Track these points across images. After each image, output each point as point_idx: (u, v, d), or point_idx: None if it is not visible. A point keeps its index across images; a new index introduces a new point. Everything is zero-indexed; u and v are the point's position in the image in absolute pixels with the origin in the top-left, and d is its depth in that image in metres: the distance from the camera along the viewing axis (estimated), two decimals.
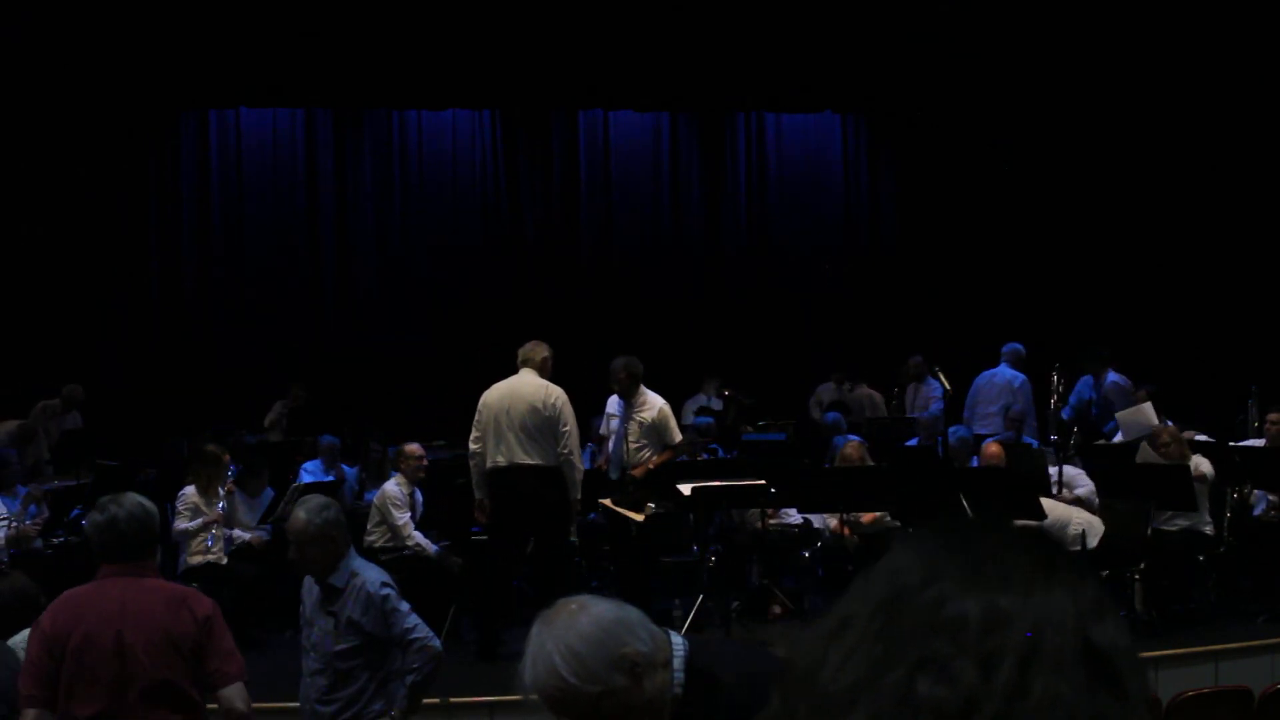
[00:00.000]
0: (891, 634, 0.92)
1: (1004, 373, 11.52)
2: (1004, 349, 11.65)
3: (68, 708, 3.97)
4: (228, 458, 8.68)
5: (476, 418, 7.89)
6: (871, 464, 9.19)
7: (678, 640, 2.41)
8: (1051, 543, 1.02)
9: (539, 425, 7.75)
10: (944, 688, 0.88)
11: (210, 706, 4.15)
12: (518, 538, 7.95)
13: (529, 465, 7.74)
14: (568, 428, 7.84)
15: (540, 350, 8.03)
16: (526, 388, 7.87)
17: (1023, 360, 11.59)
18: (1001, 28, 13.46)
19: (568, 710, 2.30)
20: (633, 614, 2.38)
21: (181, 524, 8.33)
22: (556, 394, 7.87)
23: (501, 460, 7.75)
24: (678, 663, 2.37)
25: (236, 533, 8.79)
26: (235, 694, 3.99)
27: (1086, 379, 11.60)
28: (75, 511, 8.75)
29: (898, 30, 13.68)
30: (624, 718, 2.32)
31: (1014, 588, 0.93)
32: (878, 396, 13.10)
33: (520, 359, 8.05)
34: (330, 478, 9.73)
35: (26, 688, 3.94)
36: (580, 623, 2.32)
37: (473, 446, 7.93)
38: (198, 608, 4.05)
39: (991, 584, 0.93)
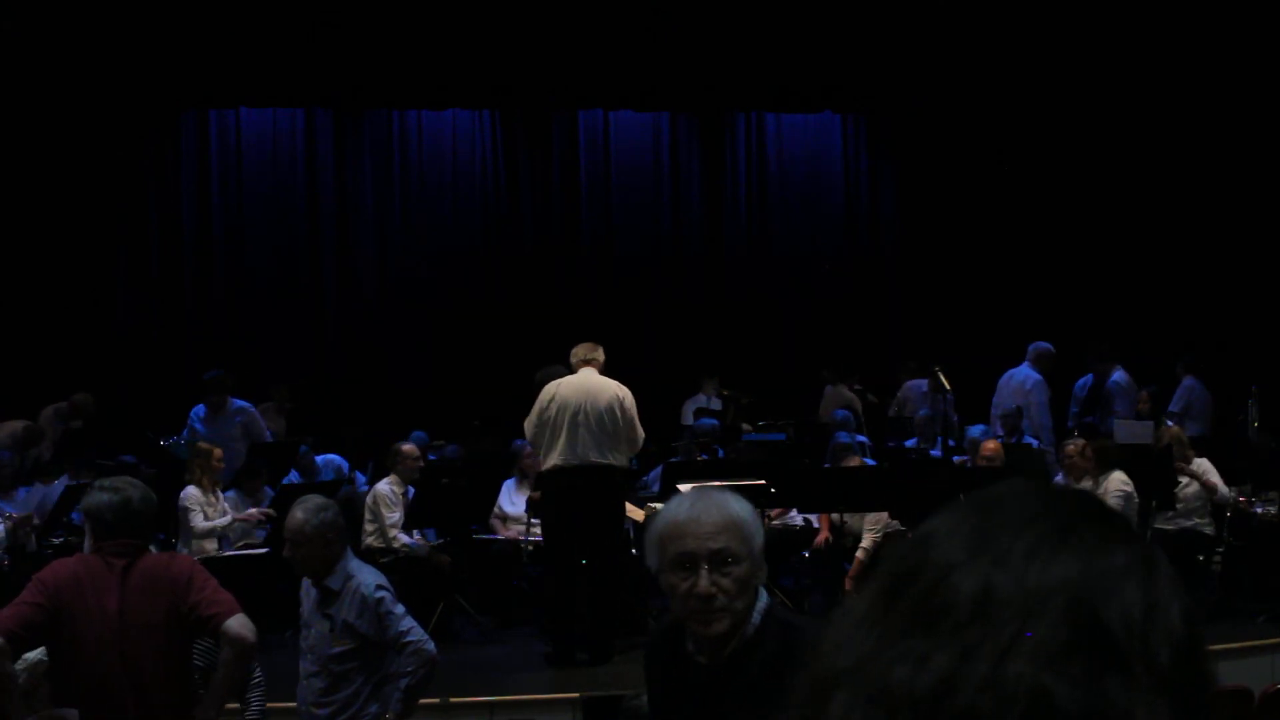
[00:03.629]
0: (886, 623, 0.87)
1: (1021, 372, 11.31)
2: (1030, 348, 11.36)
3: (64, 683, 4.05)
4: (219, 452, 8.67)
5: (542, 411, 7.52)
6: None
7: (765, 594, 2.58)
8: (1082, 506, 0.92)
9: (613, 424, 7.50)
10: (921, 676, 0.83)
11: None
12: (576, 541, 7.64)
13: (599, 465, 7.46)
14: (638, 429, 7.73)
15: (600, 352, 7.81)
16: (604, 386, 7.60)
17: (1049, 359, 11.30)
18: (1001, 28, 13.45)
19: (722, 546, 2.46)
20: None
21: (202, 521, 8.33)
22: (627, 393, 7.66)
23: (573, 459, 7.43)
24: (761, 605, 2.53)
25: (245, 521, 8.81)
26: (237, 624, 4.05)
27: (1086, 378, 11.61)
28: (75, 515, 8.74)
29: (897, 30, 13.67)
30: (743, 595, 2.48)
31: (1014, 561, 0.85)
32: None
33: (580, 359, 7.75)
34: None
35: (2, 619, 3.94)
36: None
37: (532, 433, 7.64)
38: (179, 570, 4.17)
39: (994, 558, 0.86)
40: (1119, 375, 11.36)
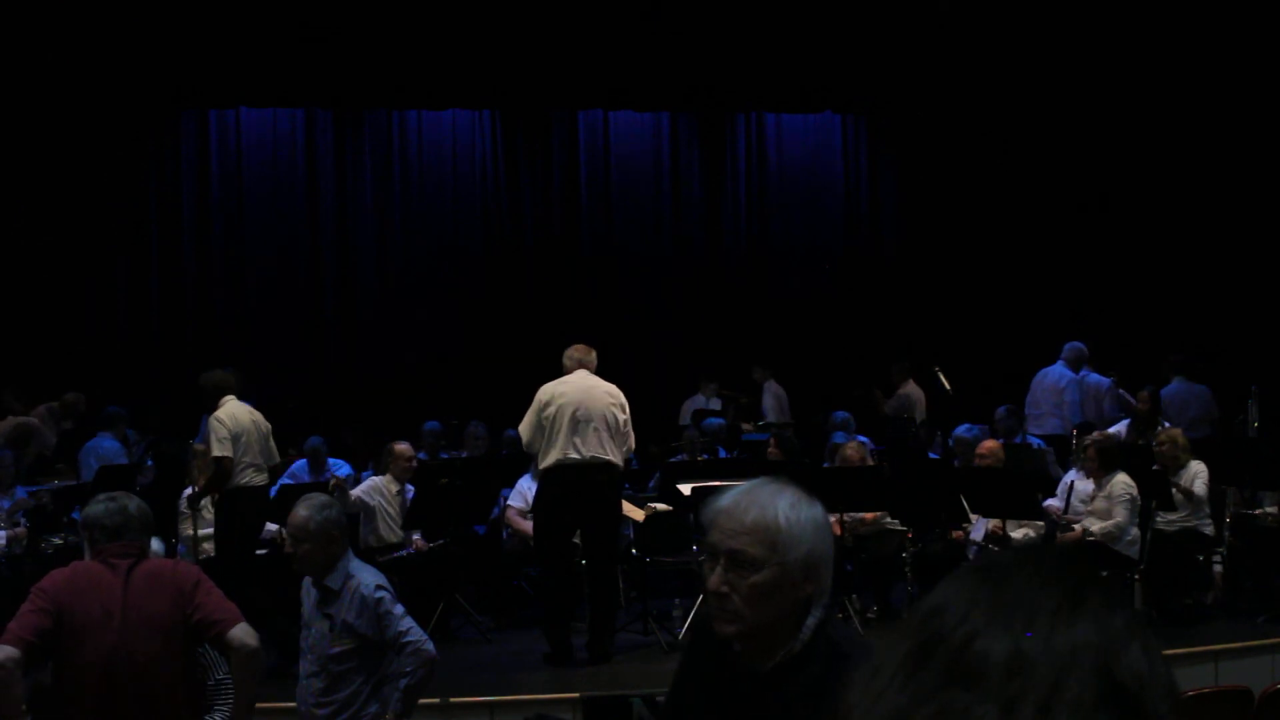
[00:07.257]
0: (917, 681, 0.97)
1: (1055, 372, 11.26)
2: (1066, 347, 11.32)
3: (67, 685, 4.04)
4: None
5: (543, 411, 7.57)
6: (871, 465, 9.14)
7: (817, 611, 2.40)
8: (1083, 571, 1.04)
9: (614, 423, 7.61)
10: None
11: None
12: (572, 537, 7.80)
13: (605, 461, 7.57)
14: (632, 432, 7.80)
15: (593, 355, 7.90)
16: (603, 386, 7.73)
17: (1084, 358, 11.26)
18: (1002, 28, 13.45)
19: (740, 549, 2.30)
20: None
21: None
22: (623, 397, 7.77)
23: (576, 455, 7.50)
24: (811, 621, 2.36)
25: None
26: (242, 633, 4.07)
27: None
28: (76, 512, 8.73)
29: (897, 30, 13.67)
30: (762, 604, 2.31)
31: (1039, 626, 0.96)
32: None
33: (576, 362, 7.83)
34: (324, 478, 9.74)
35: (13, 630, 3.95)
36: (818, 509, 2.37)
37: (529, 436, 7.67)
38: (185, 574, 4.20)
39: (1018, 623, 0.97)
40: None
